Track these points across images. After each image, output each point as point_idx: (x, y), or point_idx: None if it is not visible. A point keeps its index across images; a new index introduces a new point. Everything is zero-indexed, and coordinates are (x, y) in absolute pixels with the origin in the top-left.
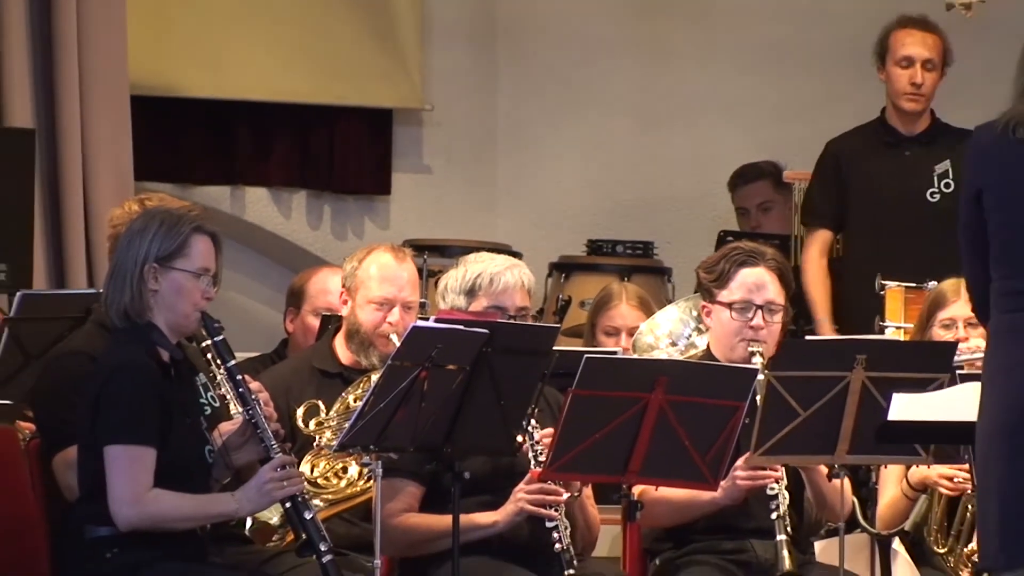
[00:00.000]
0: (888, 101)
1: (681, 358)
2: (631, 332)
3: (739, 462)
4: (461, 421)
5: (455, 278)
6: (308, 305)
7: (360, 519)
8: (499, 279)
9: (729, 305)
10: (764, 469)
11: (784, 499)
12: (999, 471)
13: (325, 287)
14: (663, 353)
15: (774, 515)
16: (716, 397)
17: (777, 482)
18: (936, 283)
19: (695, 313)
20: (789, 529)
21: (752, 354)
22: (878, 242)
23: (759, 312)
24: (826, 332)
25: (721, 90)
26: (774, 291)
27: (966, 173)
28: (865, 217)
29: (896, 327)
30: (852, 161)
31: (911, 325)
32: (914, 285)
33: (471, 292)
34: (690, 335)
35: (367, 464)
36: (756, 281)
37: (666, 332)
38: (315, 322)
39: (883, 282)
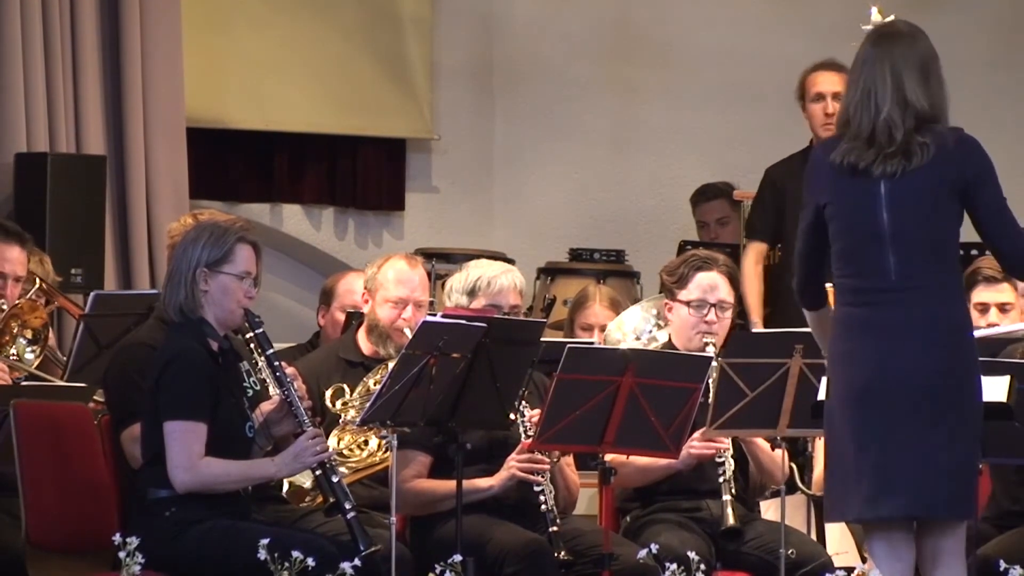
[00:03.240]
0: (812, 133)
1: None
2: (603, 328)
3: (695, 435)
4: (463, 400)
5: (459, 280)
6: (337, 303)
7: (378, 483)
8: (495, 282)
9: (687, 303)
10: (714, 442)
11: (730, 466)
12: (839, 439)
13: (351, 288)
14: (629, 346)
15: (721, 479)
16: (677, 380)
17: (723, 452)
18: None
19: (655, 311)
20: (734, 491)
21: (706, 344)
22: None
23: (712, 309)
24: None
25: (681, 122)
26: (725, 291)
27: (808, 187)
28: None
29: None
30: (786, 184)
31: None
32: None
33: (472, 292)
34: (651, 330)
35: (385, 436)
36: (710, 283)
37: (631, 328)
38: (342, 317)
39: None
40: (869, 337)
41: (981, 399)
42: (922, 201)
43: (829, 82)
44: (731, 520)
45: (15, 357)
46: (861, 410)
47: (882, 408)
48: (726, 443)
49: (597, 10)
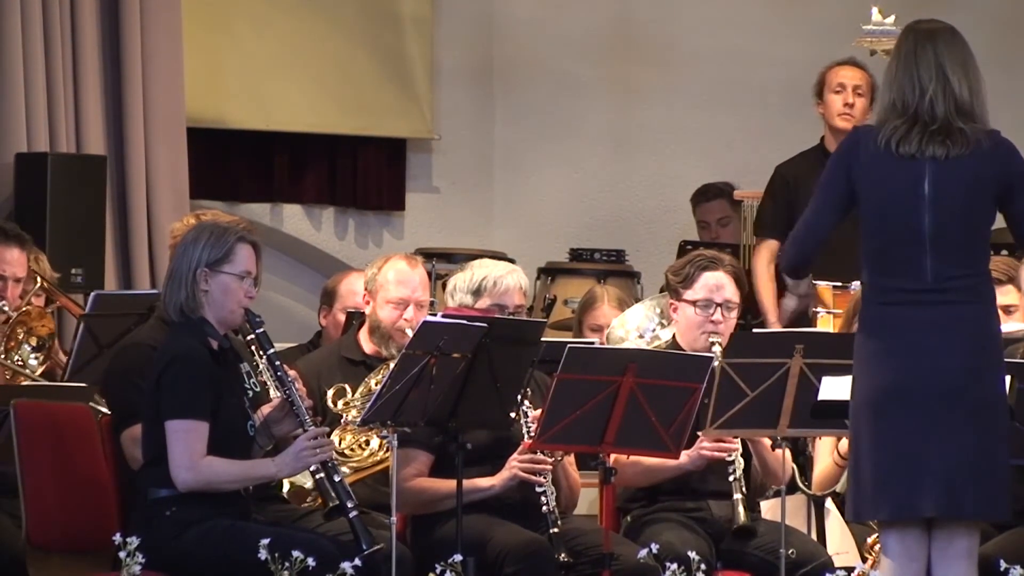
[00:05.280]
0: (825, 128)
1: (649, 347)
2: None
3: (701, 434)
4: (464, 400)
5: (463, 280)
6: (339, 303)
7: (379, 483)
8: (501, 281)
9: (693, 303)
10: (725, 442)
11: (739, 464)
12: (868, 438)
13: (353, 288)
14: (632, 344)
15: (731, 477)
16: (677, 380)
17: (733, 452)
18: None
19: (658, 310)
20: (744, 490)
21: (712, 344)
22: None
23: (718, 309)
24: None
25: (681, 122)
26: (731, 291)
27: (843, 158)
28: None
29: (827, 312)
30: (798, 181)
31: (840, 311)
32: (840, 284)
33: (477, 292)
34: (654, 329)
35: (385, 436)
36: (716, 283)
37: (634, 327)
38: (344, 318)
39: (814, 282)
40: (902, 336)
41: (1006, 398)
42: (963, 200)
43: (852, 75)
44: (742, 519)
45: (20, 363)
46: (892, 409)
47: (914, 407)
48: (736, 443)
49: (597, 10)
